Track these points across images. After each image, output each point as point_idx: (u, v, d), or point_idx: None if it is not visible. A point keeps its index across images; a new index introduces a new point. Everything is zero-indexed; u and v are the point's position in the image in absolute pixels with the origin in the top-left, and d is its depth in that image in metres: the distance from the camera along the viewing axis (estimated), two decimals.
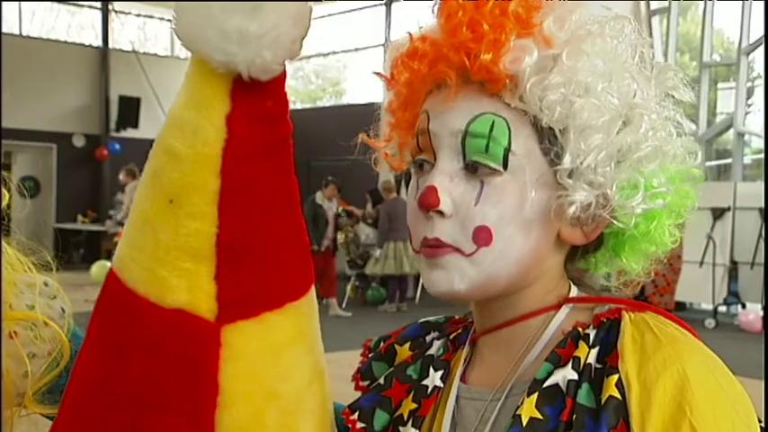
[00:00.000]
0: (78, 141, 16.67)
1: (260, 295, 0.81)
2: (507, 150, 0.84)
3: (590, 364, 0.82)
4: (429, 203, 0.85)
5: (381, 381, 0.99)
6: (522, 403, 0.82)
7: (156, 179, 0.79)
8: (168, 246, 0.78)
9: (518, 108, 0.85)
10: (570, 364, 0.82)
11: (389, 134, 0.99)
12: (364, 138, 1.01)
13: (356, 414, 0.95)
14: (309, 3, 0.74)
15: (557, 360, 0.84)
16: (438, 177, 0.86)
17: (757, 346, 8.50)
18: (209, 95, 0.76)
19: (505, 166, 0.85)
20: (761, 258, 10.09)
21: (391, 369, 1.00)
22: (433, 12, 0.90)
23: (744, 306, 10.43)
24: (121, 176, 12.89)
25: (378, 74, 0.96)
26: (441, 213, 0.86)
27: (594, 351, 0.83)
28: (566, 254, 0.92)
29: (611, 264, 0.96)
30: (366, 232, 11.44)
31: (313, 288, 0.88)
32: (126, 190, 12.57)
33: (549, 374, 0.83)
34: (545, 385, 0.82)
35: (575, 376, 0.81)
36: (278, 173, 0.80)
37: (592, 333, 0.85)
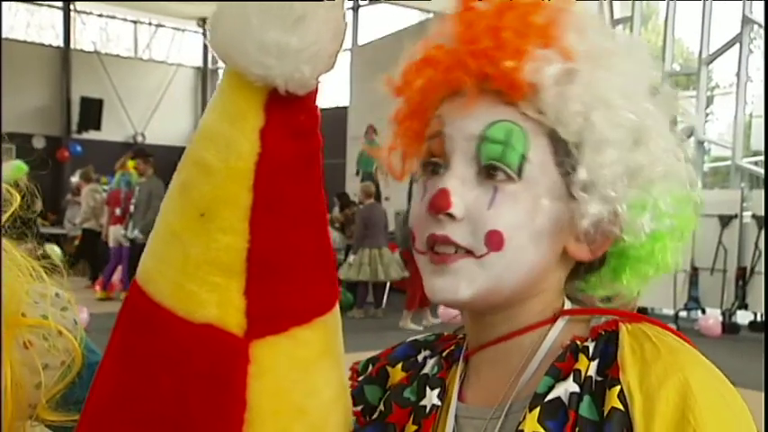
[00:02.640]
0: (38, 143, 16.38)
1: (289, 310, 0.80)
2: (523, 158, 0.84)
3: (590, 376, 0.82)
4: (440, 206, 0.84)
5: (382, 407, 0.97)
6: (524, 419, 0.81)
7: (186, 192, 0.78)
8: (198, 260, 0.77)
9: (535, 119, 0.85)
10: (571, 377, 0.82)
11: (394, 142, 0.97)
12: (366, 149, 1.00)
13: None
14: (346, 17, 0.73)
15: (557, 374, 0.84)
16: (451, 181, 0.85)
17: (717, 350, 8.63)
18: (243, 108, 0.75)
19: (520, 174, 0.84)
20: (720, 265, 10.31)
21: (387, 393, 0.99)
22: (447, 20, 0.89)
23: (704, 311, 10.60)
24: (75, 180, 12.59)
25: (389, 80, 0.94)
26: (451, 217, 0.84)
27: (594, 363, 0.83)
28: (569, 271, 0.92)
29: (610, 286, 0.95)
30: (333, 237, 11.40)
31: (338, 303, 0.87)
32: (82, 193, 12.32)
33: (551, 388, 0.82)
34: (547, 399, 0.82)
35: (576, 389, 0.81)
36: (309, 187, 0.80)
37: (591, 345, 0.85)
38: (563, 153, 0.85)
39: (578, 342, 0.86)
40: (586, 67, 0.85)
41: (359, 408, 1.00)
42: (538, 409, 0.81)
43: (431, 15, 12.95)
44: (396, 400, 0.96)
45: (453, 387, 0.94)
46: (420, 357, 1.01)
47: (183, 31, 19.96)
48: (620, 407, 0.78)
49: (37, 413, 0.99)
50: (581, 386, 0.81)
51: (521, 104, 0.85)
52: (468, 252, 0.84)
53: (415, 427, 0.92)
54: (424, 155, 0.90)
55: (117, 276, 11.54)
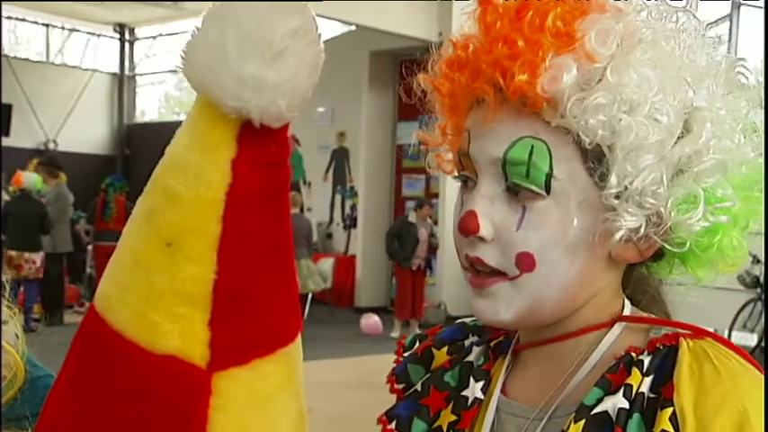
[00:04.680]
0: None
1: (253, 342, 0.79)
2: (549, 176, 0.82)
3: (642, 393, 0.80)
4: (468, 229, 0.84)
5: (419, 387, 0.96)
6: (567, 429, 0.80)
7: (152, 220, 0.77)
8: (163, 290, 0.76)
9: (560, 126, 0.82)
10: (621, 392, 0.80)
11: (443, 136, 0.95)
12: (419, 134, 0.97)
13: (393, 423, 0.93)
14: (322, 51, 0.74)
15: (607, 386, 0.82)
16: (479, 201, 0.85)
17: None
18: (215, 139, 0.74)
19: (548, 190, 0.82)
20: None
21: (428, 375, 0.98)
22: (473, 16, 0.86)
23: None
24: None
25: (427, 79, 0.92)
26: (481, 239, 0.84)
27: (648, 379, 0.80)
28: (622, 270, 0.89)
29: (677, 271, 0.92)
30: None
31: (299, 333, 0.87)
32: None
33: (599, 401, 0.80)
34: (593, 412, 0.80)
35: (626, 405, 0.79)
36: (277, 217, 0.79)
37: (646, 360, 0.82)
38: (593, 159, 0.83)
39: (633, 354, 0.83)
40: (612, 69, 0.81)
41: (401, 386, 0.99)
42: (583, 421, 0.80)
43: (353, 28, 13.00)
44: (434, 383, 0.95)
45: (497, 379, 0.94)
46: (467, 343, 0.99)
47: (99, 36, 19.47)
48: (671, 430, 0.75)
49: None
50: (631, 402, 0.79)
51: (543, 113, 0.82)
52: (502, 273, 0.84)
53: (454, 417, 0.91)
54: (457, 167, 0.90)
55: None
